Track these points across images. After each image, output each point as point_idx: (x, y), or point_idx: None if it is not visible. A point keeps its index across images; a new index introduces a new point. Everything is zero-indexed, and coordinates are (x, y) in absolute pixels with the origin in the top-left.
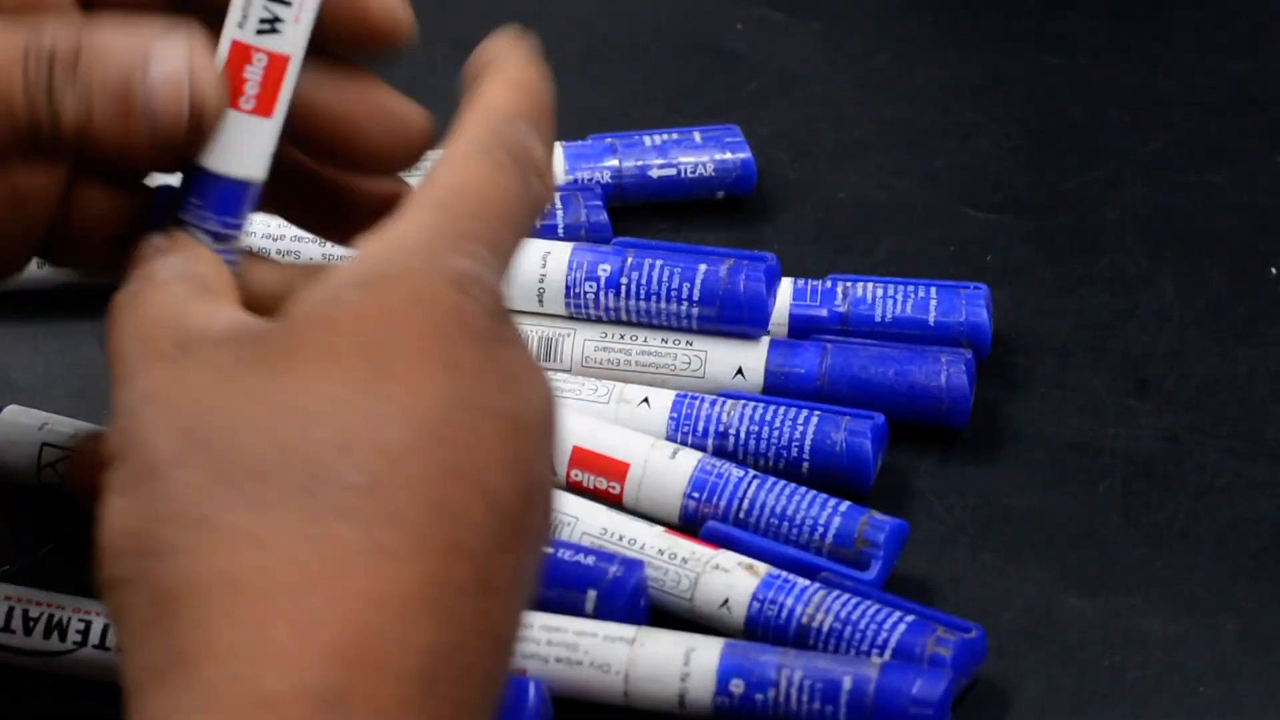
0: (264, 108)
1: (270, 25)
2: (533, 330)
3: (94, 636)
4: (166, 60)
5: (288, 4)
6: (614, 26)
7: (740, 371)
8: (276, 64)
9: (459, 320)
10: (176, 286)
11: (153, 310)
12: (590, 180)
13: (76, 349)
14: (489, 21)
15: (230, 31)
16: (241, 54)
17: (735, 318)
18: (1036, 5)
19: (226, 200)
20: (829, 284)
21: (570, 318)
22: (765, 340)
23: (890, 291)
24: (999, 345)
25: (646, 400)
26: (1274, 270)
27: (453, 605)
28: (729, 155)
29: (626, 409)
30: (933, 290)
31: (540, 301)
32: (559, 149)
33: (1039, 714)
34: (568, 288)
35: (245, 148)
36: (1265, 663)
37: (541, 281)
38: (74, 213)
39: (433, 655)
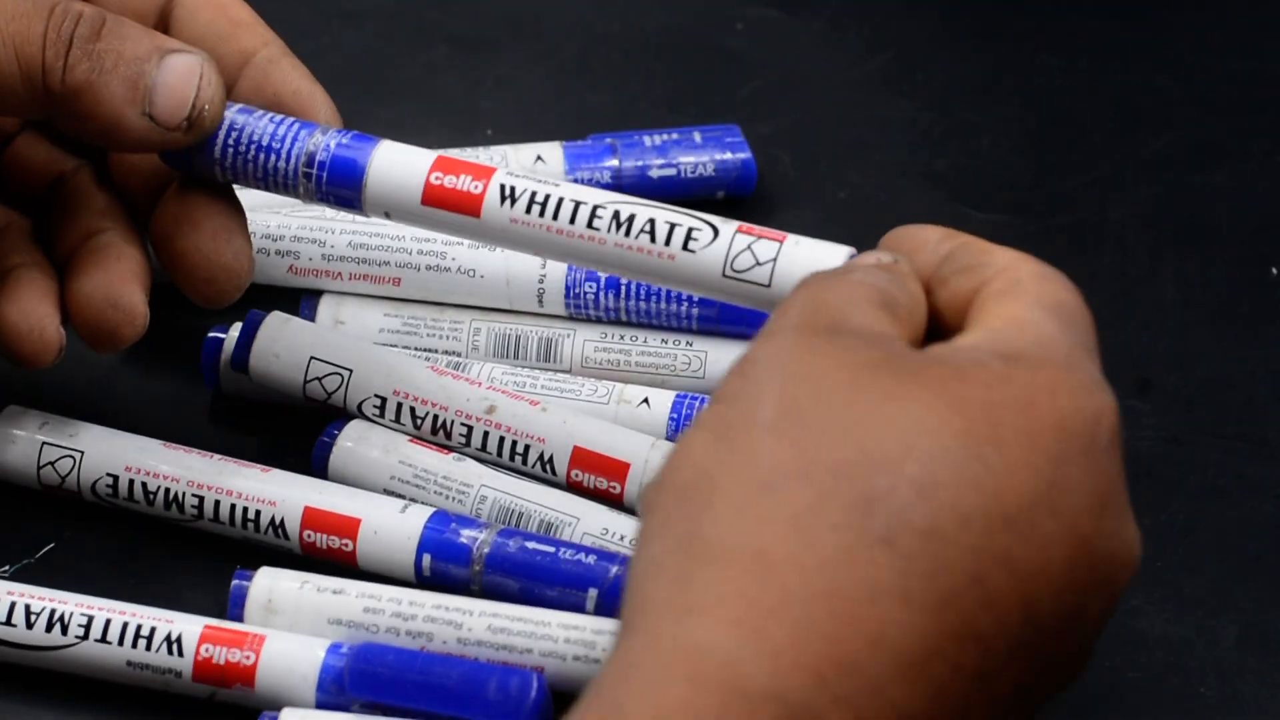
0: None
1: None
2: (532, 331)
3: (95, 631)
4: (182, 63)
5: None
6: (614, 26)
7: None
8: None
9: (1076, 421)
10: (866, 290)
11: (833, 293)
12: (590, 180)
13: (76, 348)
14: (489, 21)
15: None
16: None
17: (735, 318)
18: (1037, 5)
19: None
20: None
21: (570, 318)
22: None
23: None
24: None
25: (646, 400)
26: (1275, 270)
27: (942, 684)
28: (729, 155)
29: (626, 409)
30: None
31: (540, 302)
32: (558, 149)
33: (1039, 714)
34: (568, 288)
35: None
36: (1266, 664)
37: (541, 282)
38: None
39: (900, 718)
